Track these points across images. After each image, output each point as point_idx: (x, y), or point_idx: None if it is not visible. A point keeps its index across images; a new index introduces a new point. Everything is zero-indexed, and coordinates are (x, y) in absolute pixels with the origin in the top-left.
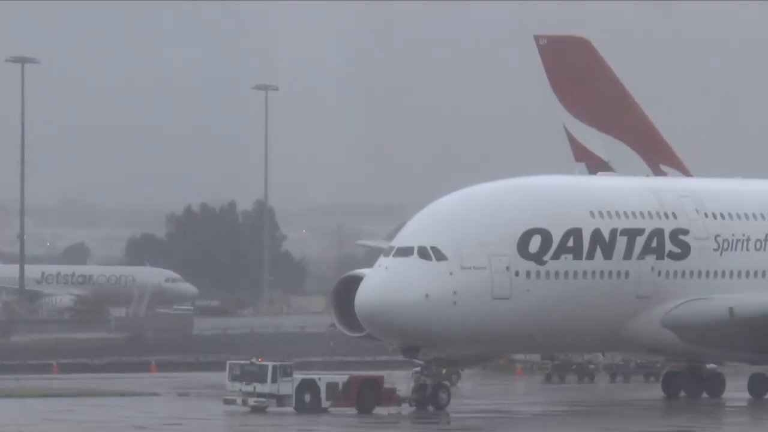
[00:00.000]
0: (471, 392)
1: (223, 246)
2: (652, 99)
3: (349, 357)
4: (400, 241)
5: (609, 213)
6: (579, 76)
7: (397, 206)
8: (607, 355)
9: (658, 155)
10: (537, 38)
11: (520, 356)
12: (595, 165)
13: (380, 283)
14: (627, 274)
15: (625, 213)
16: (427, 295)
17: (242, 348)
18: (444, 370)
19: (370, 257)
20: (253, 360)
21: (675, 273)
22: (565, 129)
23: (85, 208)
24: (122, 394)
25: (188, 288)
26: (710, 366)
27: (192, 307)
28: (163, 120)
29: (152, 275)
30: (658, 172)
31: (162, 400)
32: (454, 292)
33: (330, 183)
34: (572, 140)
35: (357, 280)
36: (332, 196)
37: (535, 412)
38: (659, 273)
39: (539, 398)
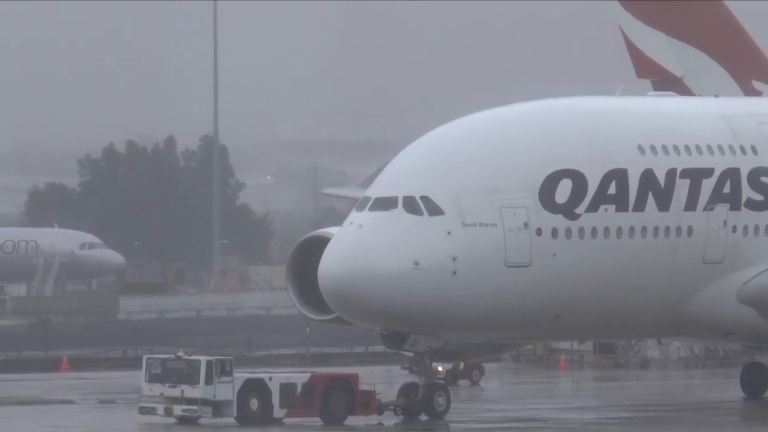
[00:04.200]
0: (497, 394)
1: (159, 199)
2: None
3: (331, 348)
4: (379, 189)
5: (665, 147)
6: None
7: (393, 141)
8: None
9: (750, 68)
10: None
11: (564, 344)
12: (664, 83)
13: (351, 247)
14: (690, 231)
15: (687, 147)
16: (416, 263)
17: (184, 337)
18: (462, 364)
19: None
20: (180, 353)
21: (756, 228)
22: (623, 33)
23: None
24: (22, 403)
25: (111, 256)
26: None
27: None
28: (76, 35)
29: (62, 239)
30: (750, 92)
31: (77, 409)
32: (454, 259)
33: (301, 112)
34: (632, 49)
35: (322, 243)
36: (304, 130)
37: (586, 420)
38: (734, 229)
39: (592, 400)
